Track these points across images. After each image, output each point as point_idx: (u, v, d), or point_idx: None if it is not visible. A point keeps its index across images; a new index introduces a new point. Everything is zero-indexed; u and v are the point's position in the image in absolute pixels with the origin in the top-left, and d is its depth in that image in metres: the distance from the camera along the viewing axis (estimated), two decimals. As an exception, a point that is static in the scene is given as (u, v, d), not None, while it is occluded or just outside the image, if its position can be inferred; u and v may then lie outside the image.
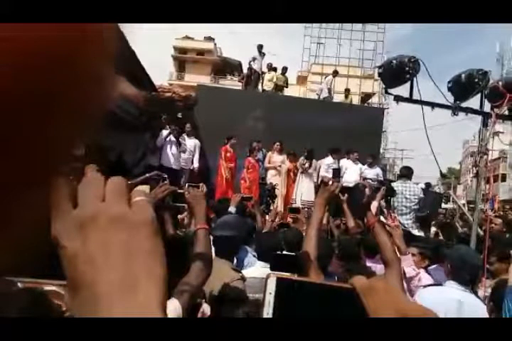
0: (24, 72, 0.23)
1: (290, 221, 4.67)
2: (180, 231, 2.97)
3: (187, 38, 32.73)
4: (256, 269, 2.58)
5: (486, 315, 2.14)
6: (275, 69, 10.84)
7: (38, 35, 0.23)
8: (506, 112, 3.85)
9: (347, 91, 12.27)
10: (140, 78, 6.11)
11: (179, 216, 3.51)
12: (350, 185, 5.58)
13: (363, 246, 2.96)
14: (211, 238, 1.92)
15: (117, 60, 0.28)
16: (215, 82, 27.94)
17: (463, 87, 3.72)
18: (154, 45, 37.44)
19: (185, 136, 7.14)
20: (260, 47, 10.58)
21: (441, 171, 6.32)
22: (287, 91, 11.58)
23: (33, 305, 0.87)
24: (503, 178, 33.87)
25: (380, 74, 3.91)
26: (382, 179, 7.45)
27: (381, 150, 13.23)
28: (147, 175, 2.42)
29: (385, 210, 4.74)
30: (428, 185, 11.20)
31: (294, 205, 6.57)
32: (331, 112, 8.90)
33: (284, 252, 2.39)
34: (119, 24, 0.29)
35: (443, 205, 11.71)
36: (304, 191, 7.40)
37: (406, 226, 5.12)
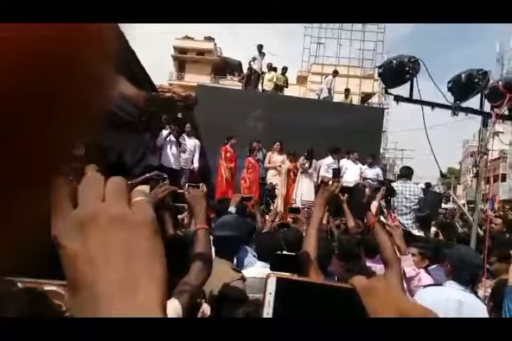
0: (24, 72, 0.23)
1: (290, 221, 4.67)
2: (180, 231, 2.97)
3: (187, 37, 32.71)
4: (256, 269, 2.58)
5: (486, 315, 2.14)
6: (275, 69, 10.84)
7: (38, 35, 0.23)
8: (506, 112, 3.85)
9: (347, 92, 12.27)
10: (140, 78, 6.11)
11: (179, 216, 3.51)
12: (350, 185, 5.58)
13: (363, 246, 2.96)
14: (211, 238, 1.92)
15: (117, 60, 0.28)
16: (215, 82, 27.91)
17: (463, 87, 3.72)
18: (154, 45, 37.45)
19: (185, 136, 7.14)
20: (260, 47, 10.57)
21: (441, 171, 6.32)
22: (287, 91, 11.57)
23: (33, 305, 0.87)
24: (503, 178, 33.85)
25: (380, 74, 3.90)
26: (382, 179, 7.45)
27: (381, 150, 13.22)
28: (147, 175, 2.42)
29: (385, 210, 4.75)
30: (428, 185, 11.19)
31: (294, 205, 6.57)
32: (331, 112, 8.89)
33: (284, 252, 2.39)
34: (119, 24, 0.29)
35: (443, 205, 11.71)
36: (304, 191, 7.40)
37: (406, 226, 5.12)
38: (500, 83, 3.66)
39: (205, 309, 1.78)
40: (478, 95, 3.79)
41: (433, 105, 3.81)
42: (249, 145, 7.44)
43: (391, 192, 4.91)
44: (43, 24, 0.23)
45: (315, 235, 1.79)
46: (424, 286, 2.51)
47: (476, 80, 3.66)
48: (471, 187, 30.49)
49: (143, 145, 6.57)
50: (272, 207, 6.40)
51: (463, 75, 3.72)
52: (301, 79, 24.04)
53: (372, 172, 7.56)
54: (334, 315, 0.39)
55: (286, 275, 0.47)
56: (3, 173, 0.24)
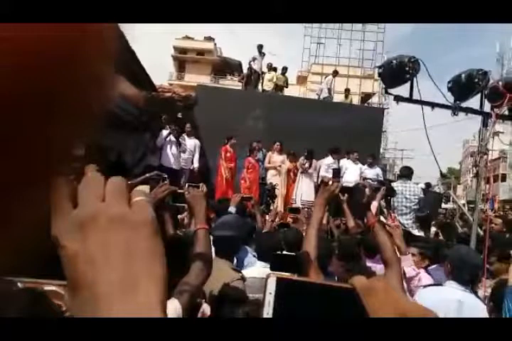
0: (24, 72, 0.23)
1: (290, 221, 4.67)
2: (180, 231, 2.97)
3: (187, 38, 32.72)
4: (256, 269, 2.58)
5: (486, 315, 2.14)
6: (275, 69, 10.84)
7: (38, 35, 0.23)
8: (506, 112, 3.85)
9: (347, 92, 12.27)
10: (140, 78, 6.11)
11: (179, 216, 3.51)
12: (350, 185, 5.57)
13: (363, 246, 2.96)
14: (211, 238, 1.92)
15: (117, 60, 0.28)
16: (215, 82, 27.92)
17: (463, 87, 3.72)
18: (154, 45, 37.48)
19: (185, 136, 7.14)
20: (260, 47, 10.58)
21: (441, 171, 6.32)
22: (287, 92, 11.58)
23: (33, 305, 0.87)
24: (503, 178, 33.86)
25: (380, 74, 3.90)
26: (382, 179, 7.45)
27: (381, 150, 13.22)
28: (147, 175, 2.41)
29: (385, 210, 4.74)
30: (428, 185, 11.20)
31: (294, 205, 6.57)
32: (331, 112, 8.90)
33: (284, 252, 2.39)
34: (119, 24, 0.29)
35: (443, 205, 11.71)
36: (304, 191, 7.40)
37: (406, 226, 5.12)
38: (500, 83, 3.66)
39: (205, 309, 1.78)
40: (478, 95, 3.79)
41: (433, 105, 3.81)
42: (249, 145, 7.44)
43: (391, 192, 4.91)
44: (43, 24, 0.23)
45: (315, 235, 1.79)
46: (424, 286, 2.51)
47: (476, 80, 3.66)
48: (471, 187, 30.50)
49: (143, 145, 6.57)
50: (271, 207, 6.40)
51: (463, 75, 3.72)
52: (301, 79, 24.04)
53: (372, 172, 7.56)
54: (334, 315, 0.39)
55: (286, 275, 0.47)
56: (3, 173, 0.24)
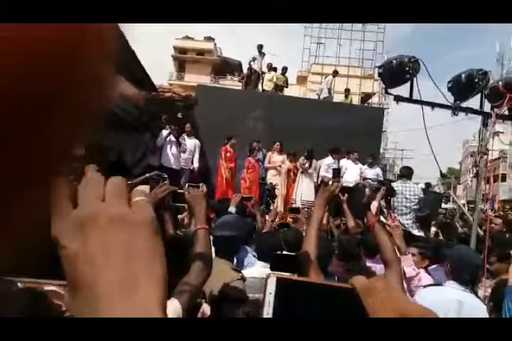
0: (24, 72, 0.23)
1: (290, 221, 4.67)
2: (180, 231, 2.97)
3: (187, 38, 32.72)
4: (256, 269, 2.58)
5: (486, 315, 2.13)
6: (275, 69, 10.84)
7: (38, 35, 0.23)
8: (506, 112, 3.85)
9: (347, 92, 12.27)
10: (140, 78, 6.11)
11: (179, 216, 3.51)
12: (350, 185, 5.58)
13: (363, 246, 2.96)
14: (211, 238, 1.92)
15: (117, 60, 0.28)
16: (215, 82, 27.92)
17: (463, 87, 3.71)
18: (154, 45, 37.49)
19: (185, 136, 7.14)
20: (260, 47, 10.58)
21: (441, 171, 6.31)
22: (287, 92, 11.58)
23: (33, 305, 0.87)
24: (503, 178, 33.85)
25: (380, 74, 3.90)
26: (382, 179, 7.45)
27: (381, 150, 13.23)
28: (147, 175, 2.41)
29: (385, 210, 4.74)
30: (428, 185, 11.19)
31: (294, 205, 6.57)
32: (331, 112, 8.90)
33: (284, 252, 2.39)
34: (119, 24, 0.29)
35: (443, 205, 11.70)
36: (304, 191, 7.40)
37: (406, 226, 5.12)
38: (500, 83, 3.66)
39: (205, 309, 1.78)
40: (478, 95, 3.79)
41: (433, 105, 3.81)
42: (249, 145, 7.44)
43: (391, 192, 4.91)
44: (43, 24, 0.23)
45: (315, 235, 1.79)
46: (424, 286, 2.51)
47: (476, 80, 3.66)
48: (471, 187, 30.50)
49: (143, 145, 6.57)
50: (272, 207, 6.40)
51: (463, 75, 3.72)
52: (301, 79, 24.04)
53: (372, 172, 7.56)
54: (334, 315, 0.39)
55: (286, 275, 0.47)
56: (3, 173, 0.24)
